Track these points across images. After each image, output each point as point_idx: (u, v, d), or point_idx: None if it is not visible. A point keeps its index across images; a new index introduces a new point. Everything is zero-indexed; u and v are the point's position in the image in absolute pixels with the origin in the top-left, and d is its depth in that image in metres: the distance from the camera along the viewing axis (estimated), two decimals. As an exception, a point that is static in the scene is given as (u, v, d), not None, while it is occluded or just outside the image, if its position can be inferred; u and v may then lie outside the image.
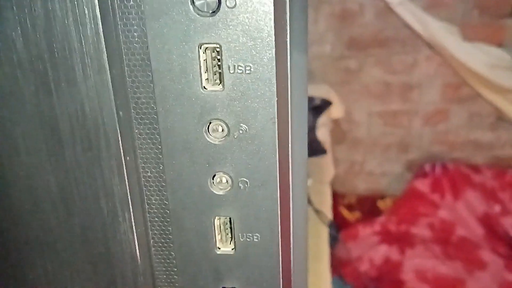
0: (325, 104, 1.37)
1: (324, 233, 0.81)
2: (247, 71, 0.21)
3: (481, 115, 1.67)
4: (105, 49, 0.21)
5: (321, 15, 1.57)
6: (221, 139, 0.22)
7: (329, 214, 0.96)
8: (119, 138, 0.23)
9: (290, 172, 0.24)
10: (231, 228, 0.25)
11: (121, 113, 0.22)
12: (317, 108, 1.38)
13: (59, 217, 0.25)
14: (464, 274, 1.36)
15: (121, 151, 0.23)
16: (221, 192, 0.23)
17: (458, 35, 1.49)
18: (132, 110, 0.22)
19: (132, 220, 0.24)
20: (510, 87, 1.50)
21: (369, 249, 1.52)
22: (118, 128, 0.23)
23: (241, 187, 0.23)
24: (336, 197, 1.70)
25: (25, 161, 0.22)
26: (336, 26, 1.57)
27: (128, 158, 0.23)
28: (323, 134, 1.33)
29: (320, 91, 1.48)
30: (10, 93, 0.20)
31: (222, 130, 0.22)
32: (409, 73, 1.62)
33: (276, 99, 0.21)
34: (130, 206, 0.24)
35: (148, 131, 0.23)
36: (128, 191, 0.24)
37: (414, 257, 1.44)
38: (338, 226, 1.61)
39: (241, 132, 0.22)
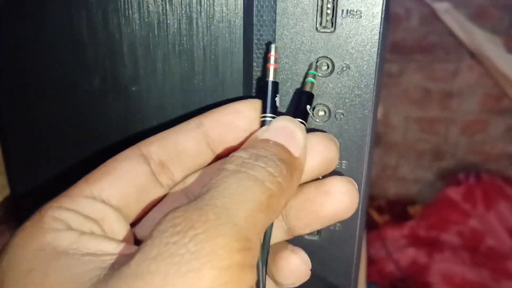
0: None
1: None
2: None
3: (520, 128, 1.67)
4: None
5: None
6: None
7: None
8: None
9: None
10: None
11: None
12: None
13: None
14: (491, 282, 1.37)
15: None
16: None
17: (502, 47, 1.51)
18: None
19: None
20: (551, 102, 1.50)
21: (396, 251, 1.54)
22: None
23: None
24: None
25: (160, 81, 0.27)
26: (381, 29, 1.60)
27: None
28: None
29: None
30: (158, 24, 0.26)
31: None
32: (450, 81, 1.64)
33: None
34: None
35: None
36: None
37: (442, 261, 1.46)
38: (367, 227, 1.63)
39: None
